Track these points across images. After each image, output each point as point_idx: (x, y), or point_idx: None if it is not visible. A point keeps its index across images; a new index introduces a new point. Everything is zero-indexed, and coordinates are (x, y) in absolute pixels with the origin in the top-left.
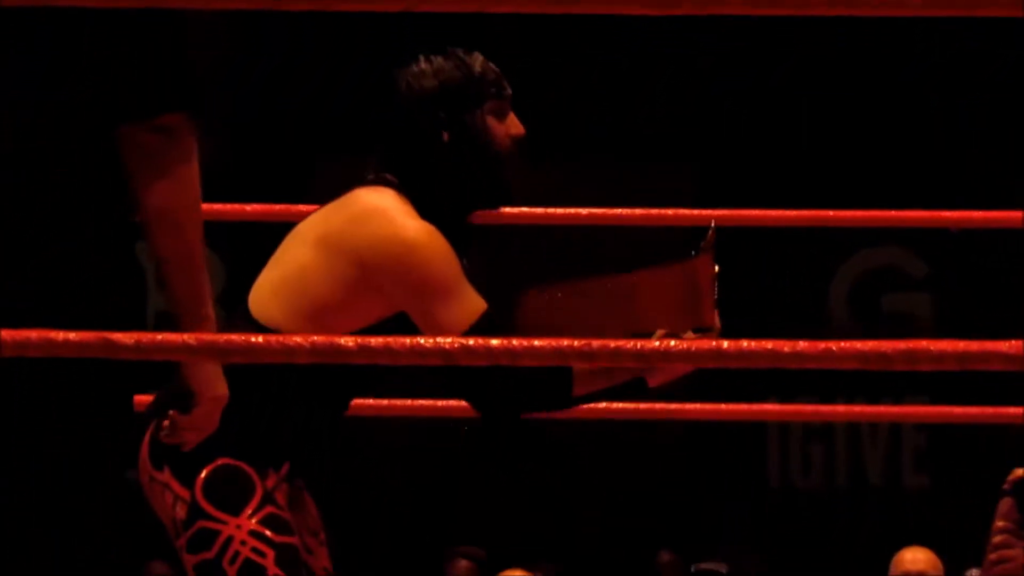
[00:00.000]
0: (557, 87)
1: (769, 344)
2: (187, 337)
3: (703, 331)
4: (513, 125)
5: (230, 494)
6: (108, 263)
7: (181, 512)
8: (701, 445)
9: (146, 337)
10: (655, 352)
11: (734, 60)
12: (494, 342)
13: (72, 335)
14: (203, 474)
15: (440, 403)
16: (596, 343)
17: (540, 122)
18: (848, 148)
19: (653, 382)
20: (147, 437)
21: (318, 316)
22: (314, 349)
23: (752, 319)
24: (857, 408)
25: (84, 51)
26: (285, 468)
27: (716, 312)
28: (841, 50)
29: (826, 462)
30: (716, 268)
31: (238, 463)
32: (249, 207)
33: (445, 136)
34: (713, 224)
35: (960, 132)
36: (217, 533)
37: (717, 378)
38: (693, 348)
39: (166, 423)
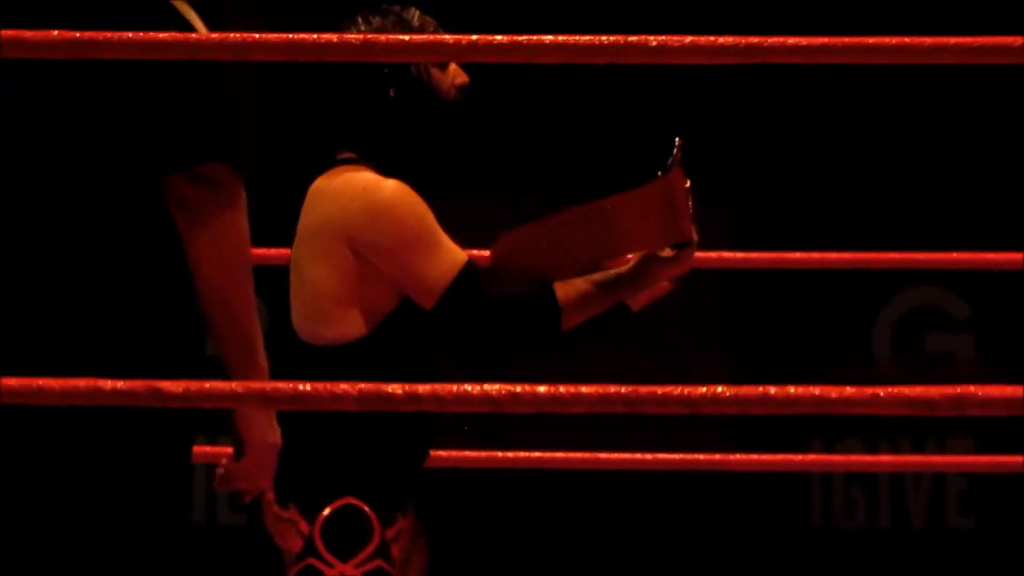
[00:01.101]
0: (596, 129)
1: (816, 390)
2: (235, 385)
3: (683, 246)
4: (457, 74)
5: (345, 538)
6: (163, 312)
7: (298, 545)
8: (743, 484)
9: (194, 385)
10: (703, 398)
11: (767, 100)
12: (541, 389)
13: (120, 383)
14: (325, 512)
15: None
16: (643, 389)
17: (578, 165)
18: (889, 187)
19: (636, 305)
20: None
21: (340, 317)
22: (361, 397)
23: (794, 361)
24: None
25: (125, 103)
26: (411, 510)
27: (694, 225)
28: (877, 90)
29: (869, 504)
30: (688, 182)
31: (362, 504)
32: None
33: (391, 92)
34: (678, 140)
35: (1000, 169)
36: (321, 574)
37: (761, 419)
38: (741, 394)
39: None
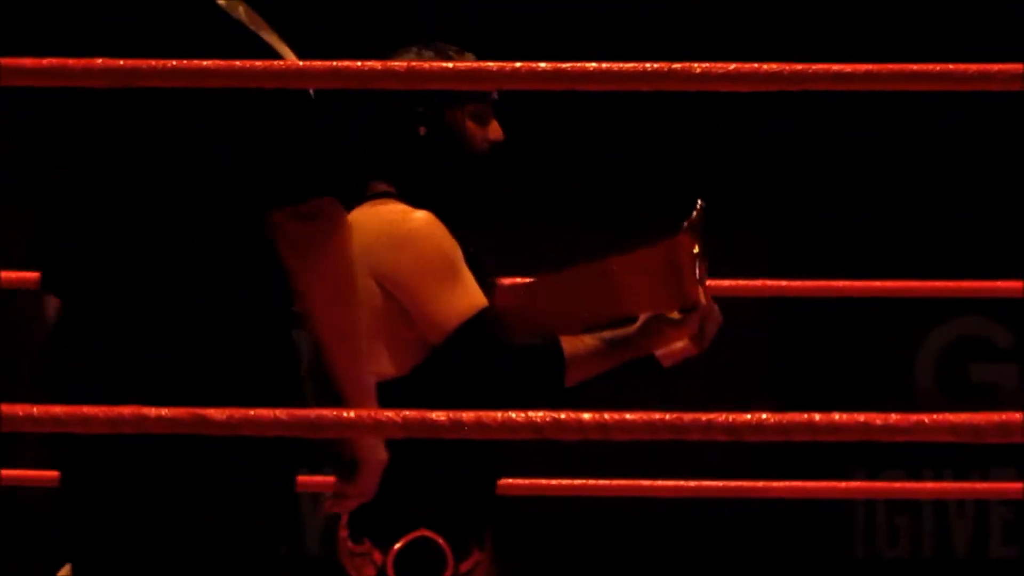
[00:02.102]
0: (633, 159)
1: (861, 417)
2: (278, 412)
3: (689, 311)
4: (492, 130)
5: (418, 570)
6: (267, 343)
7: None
8: (786, 513)
9: (238, 413)
10: (747, 425)
11: (807, 129)
12: (585, 416)
13: (165, 411)
14: (399, 544)
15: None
16: (688, 416)
17: (617, 192)
18: (932, 218)
19: (667, 363)
20: (344, 518)
21: (375, 355)
22: (406, 424)
23: (837, 392)
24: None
25: (235, 135)
26: (487, 542)
27: (701, 290)
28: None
29: (912, 533)
30: (697, 246)
31: (436, 537)
32: None
33: (421, 130)
34: (700, 203)
35: None
36: None
37: (804, 448)
38: (785, 421)
39: (330, 492)
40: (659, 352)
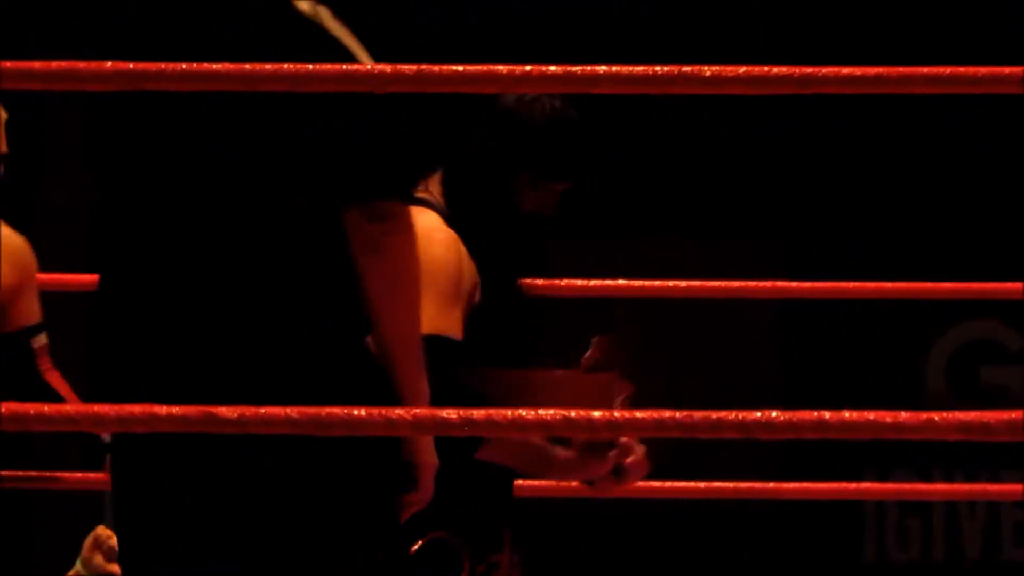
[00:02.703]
0: (651, 165)
1: (871, 415)
2: (289, 411)
3: (599, 448)
4: (542, 205)
5: (432, 572)
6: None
7: None
8: (796, 515)
9: (249, 411)
10: (757, 423)
11: (816, 131)
12: (596, 414)
13: (175, 409)
14: (415, 546)
15: None
16: (698, 414)
17: (631, 199)
18: (943, 220)
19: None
20: None
21: None
22: (416, 422)
23: (848, 393)
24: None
25: (310, 137)
26: (507, 544)
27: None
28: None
29: (923, 535)
30: (629, 391)
31: (452, 538)
32: None
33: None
34: (609, 337)
35: None
36: None
37: (813, 450)
38: (795, 419)
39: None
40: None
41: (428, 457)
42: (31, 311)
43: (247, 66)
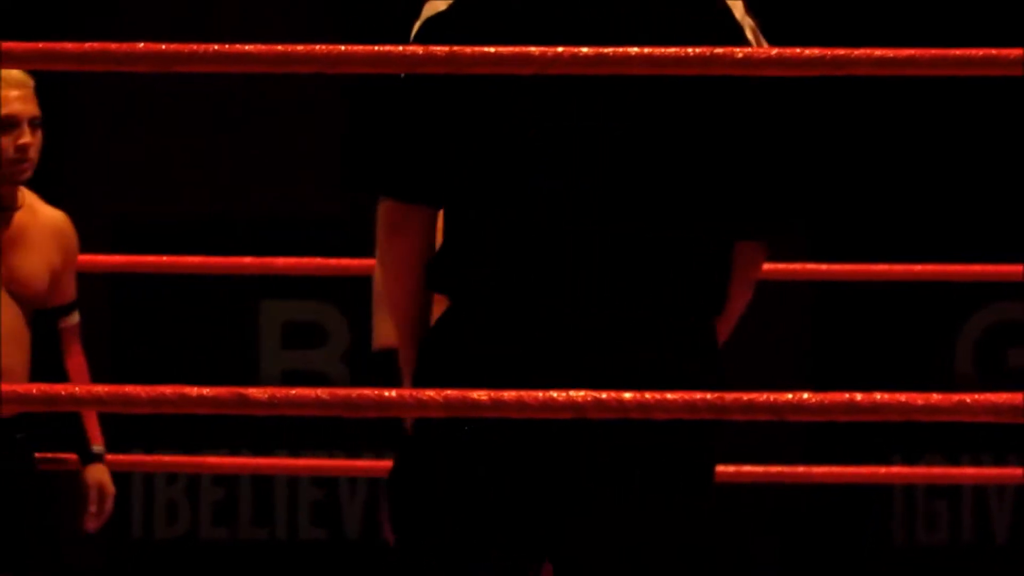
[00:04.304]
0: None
1: (902, 397)
2: (319, 392)
3: None
4: None
5: None
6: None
7: None
8: (825, 500)
9: (280, 392)
10: (788, 405)
11: (842, 112)
12: (627, 395)
13: (207, 390)
14: None
15: None
16: (729, 396)
17: None
18: (971, 199)
19: None
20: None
21: None
22: (447, 403)
23: (877, 376)
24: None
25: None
26: None
27: None
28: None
29: (951, 518)
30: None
31: None
32: None
33: None
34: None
35: None
36: None
37: (842, 433)
38: (826, 401)
39: None
40: None
41: None
42: (66, 290)
43: (278, 47)
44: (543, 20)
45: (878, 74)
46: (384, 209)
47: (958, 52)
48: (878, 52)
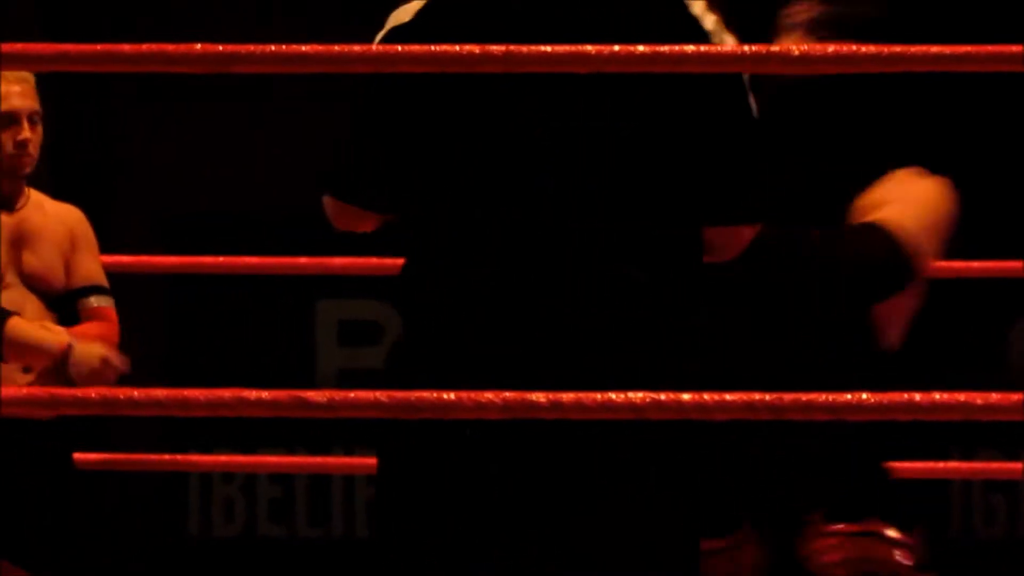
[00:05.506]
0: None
1: (961, 396)
2: (378, 394)
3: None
4: None
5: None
6: None
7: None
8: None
9: (338, 395)
10: (847, 405)
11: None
12: (685, 396)
13: (265, 394)
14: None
15: None
16: (788, 396)
17: None
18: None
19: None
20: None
21: None
22: (506, 405)
23: (928, 370)
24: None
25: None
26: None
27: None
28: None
29: (1009, 511)
30: None
31: None
32: None
33: None
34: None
35: None
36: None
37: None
38: (886, 401)
39: None
40: None
41: None
42: (82, 273)
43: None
44: (508, 32)
45: (931, 70)
46: (331, 204)
47: (933, 50)
48: (934, 49)
